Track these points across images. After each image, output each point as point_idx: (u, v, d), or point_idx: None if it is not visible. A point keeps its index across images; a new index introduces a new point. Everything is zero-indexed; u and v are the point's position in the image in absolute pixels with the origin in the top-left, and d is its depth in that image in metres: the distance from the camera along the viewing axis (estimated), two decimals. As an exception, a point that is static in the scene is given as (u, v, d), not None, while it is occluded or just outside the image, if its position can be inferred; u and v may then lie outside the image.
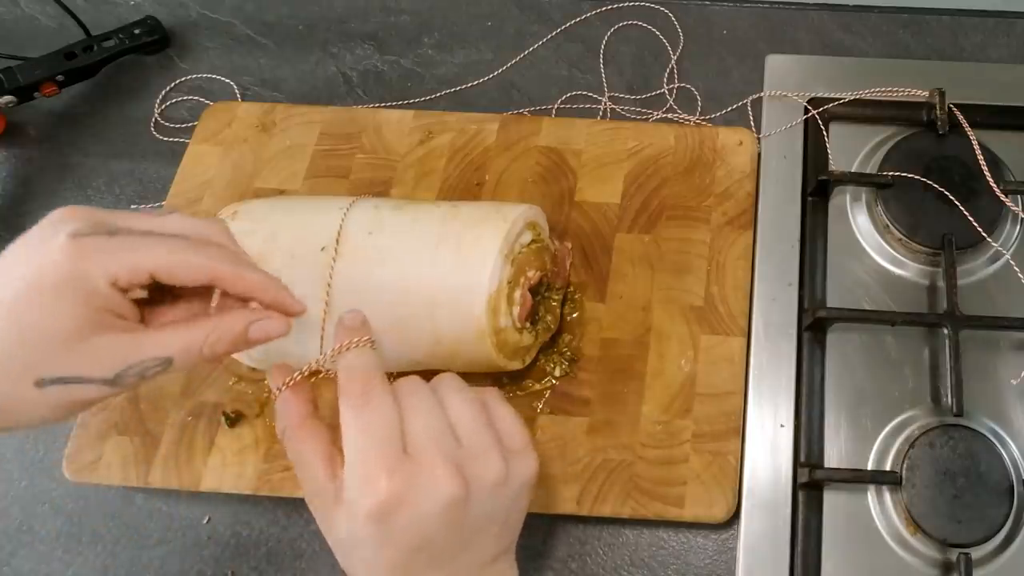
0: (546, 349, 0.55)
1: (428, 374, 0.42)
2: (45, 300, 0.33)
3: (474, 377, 0.48)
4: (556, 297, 0.55)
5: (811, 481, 0.51)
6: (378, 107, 0.67)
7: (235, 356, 0.52)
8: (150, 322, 0.37)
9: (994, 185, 0.58)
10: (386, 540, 0.36)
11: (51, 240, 0.33)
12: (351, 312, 0.41)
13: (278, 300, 0.39)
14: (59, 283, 0.33)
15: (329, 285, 0.48)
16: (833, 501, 0.52)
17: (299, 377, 0.39)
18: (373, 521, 0.36)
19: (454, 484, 0.37)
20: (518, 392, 0.54)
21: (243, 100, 0.69)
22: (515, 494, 0.40)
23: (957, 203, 0.57)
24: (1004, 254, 0.58)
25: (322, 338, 0.48)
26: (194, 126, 0.66)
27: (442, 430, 0.38)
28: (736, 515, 0.52)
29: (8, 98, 0.64)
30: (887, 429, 0.54)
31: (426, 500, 0.36)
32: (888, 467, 0.52)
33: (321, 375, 0.40)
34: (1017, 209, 0.59)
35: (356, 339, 0.39)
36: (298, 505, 0.54)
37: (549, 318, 0.54)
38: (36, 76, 0.65)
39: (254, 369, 0.55)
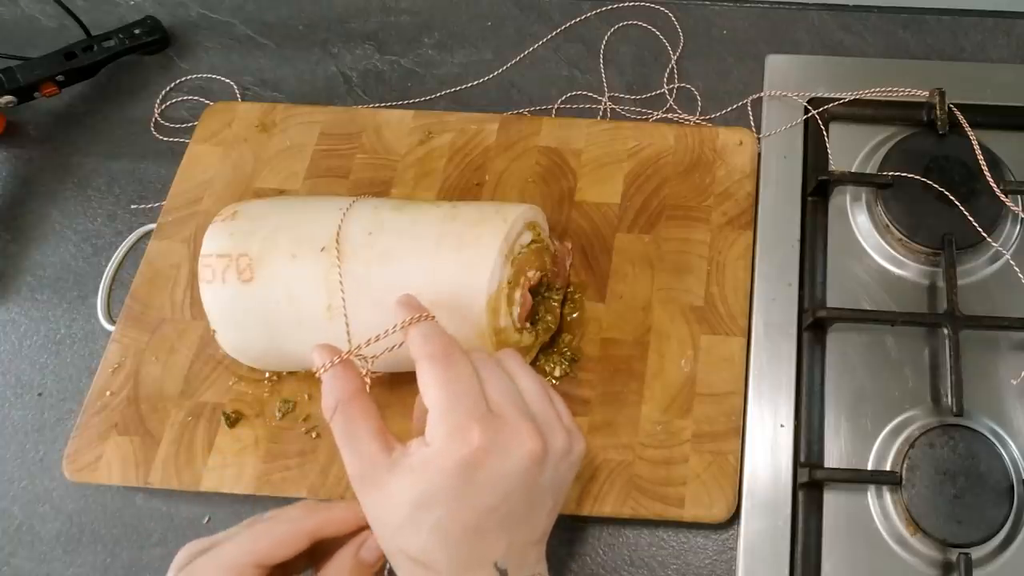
0: (546, 349, 0.55)
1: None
2: None
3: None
4: (556, 297, 0.55)
5: (811, 481, 0.51)
6: (378, 107, 0.67)
7: (234, 356, 0.53)
8: None
9: (994, 185, 0.58)
10: (465, 496, 0.37)
11: None
12: (407, 295, 0.43)
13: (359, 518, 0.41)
14: None
15: (341, 284, 0.48)
16: (833, 501, 0.52)
17: (344, 357, 0.40)
18: (459, 472, 0.36)
19: (537, 443, 0.38)
20: (518, 392, 0.54)
21: (243, 100, 0.69)
22: (570, 468, 0.42)
23: (957, 203, 0.57)
24: (1004, 254, 0.58)
25: (349, 336, 0.48)
26: (194, 126, 0.66)
27: (518, 395, 0.40)
28: (736, 515, 0.52)
29: (8, 98, 0.64)
30: (887, 429, 0.54)
31: (512, 454, 0.38)
32: (888, 467, 0.52)
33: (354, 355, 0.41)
34: (1017, 209, 0.59)
35: (422, 314, 0.41)
36: (298, 505, 0.54)
37: (549, 318, 0.54)
38: (36, 76, 0.65)
39: (254, 369, 0.55)
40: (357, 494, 0.39)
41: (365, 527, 0.40)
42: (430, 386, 0.38)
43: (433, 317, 0.41)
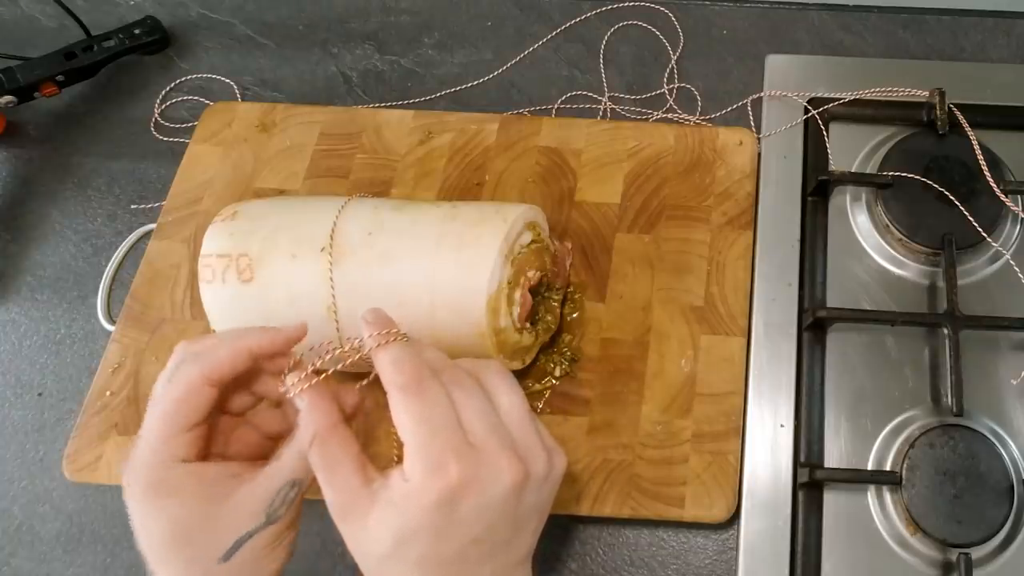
0: (546, 349, 0.55)
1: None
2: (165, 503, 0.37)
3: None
4: (556, 297, 0.55)
5: (811, 481, 0.51)
6: (378, 107, 0.67)
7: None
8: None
9: (994, 185, 0.58)
10: (446, 531, 0.36)
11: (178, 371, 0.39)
12: (374, 310, 0.40)
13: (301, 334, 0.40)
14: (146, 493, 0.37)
15: (332, 285, 0.48)
16: (833, 501, 0.52)
17: (309, 376, 0.39)
18: (439, 508, 0.36)
19: (517, 472, 0.37)
20: (518, 392, 0.54)
21: (243, 100, 0.69)
22: (552, 488, 0.41)
23: (957, 203, 0.57)
24: (1004, 254, 0.58)
25: (339, 337, 0.48)
26: (194, 126, 0.66)
27: (496, 419, 0.39)
28: (736, 515, 0.52)
29: (8, 98, 0.64)
30: (887, 429, 0.54)
31: (492, 485, 0.37)
32: (888, 467, 0.52)
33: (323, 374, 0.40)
34: (1017, 209, 0.59)
35: (392, 332, 0.39)
36: (298, 505, 0.54)
37: (549, 318, 0.54)
38: (36, 76, 0.65)
39: (254, 369, 0.55)
40: (338, 525, 0.38)
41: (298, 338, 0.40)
42: (404, 419, 0.37)
43: (404, 336, 0.39)
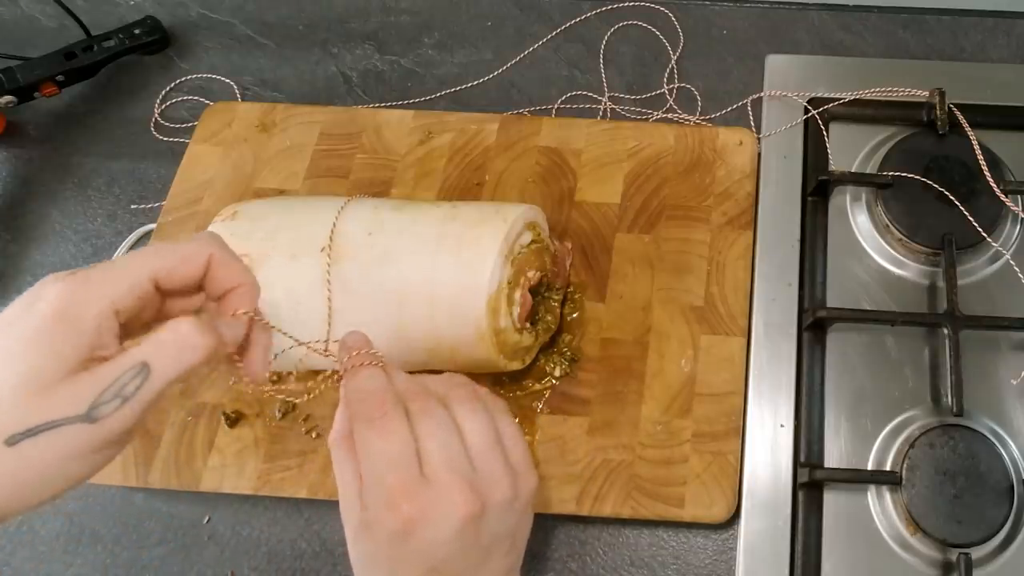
0: (546, 349, 0.55)
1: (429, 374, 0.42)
2: (22, 347, 0.31)
3: (474, 378, 0.48)
4: (556, 297, 0.55)
5: (811, 481, 0.51)
6: (378, 107, 0.67)
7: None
8: None
9: (994, 185, 0.58)
10: (402, 561, 0.37)
11: (43, 287, 0.32)
12: (352, 333, 0.41)
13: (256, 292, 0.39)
14: (46, 325, 0.31)
15: (328, 284, 0.48)
16: (833, 501, 0.52)
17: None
18: (391, 542, 0.36)
19: (471, 506, 0.37)
20: (518, 392, 0.54)
21: (243, 100, 0.69)
22: (522, 510, 0.41)
23: (957, 203, 0.57)
24: (1004, 254, 0.58)
25: (328, 341, 0.48)
26: (194, 126, 0.66)
27: (457, 451, 0.38)
28: (736, 515, 0.52)
29: (8, 98, 0.64)
30: (887, 429, 0.54)
31: (444, 522, 0.37)
32: (888, 467, 0.52)
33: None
34: (1017, 209, 0.59)
35: (361, 356, 0.39)
36: (298, 505, 0.54)
37: (549, 318, 0.54)
38: (36, 76, 0.65)
39: (254, 369, 0.55)
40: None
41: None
42: (361, 452, 0.37)
43: (377, 363, 0.39)
